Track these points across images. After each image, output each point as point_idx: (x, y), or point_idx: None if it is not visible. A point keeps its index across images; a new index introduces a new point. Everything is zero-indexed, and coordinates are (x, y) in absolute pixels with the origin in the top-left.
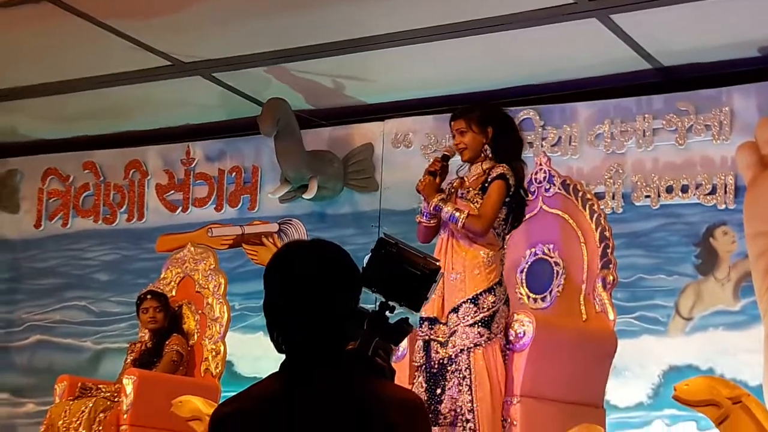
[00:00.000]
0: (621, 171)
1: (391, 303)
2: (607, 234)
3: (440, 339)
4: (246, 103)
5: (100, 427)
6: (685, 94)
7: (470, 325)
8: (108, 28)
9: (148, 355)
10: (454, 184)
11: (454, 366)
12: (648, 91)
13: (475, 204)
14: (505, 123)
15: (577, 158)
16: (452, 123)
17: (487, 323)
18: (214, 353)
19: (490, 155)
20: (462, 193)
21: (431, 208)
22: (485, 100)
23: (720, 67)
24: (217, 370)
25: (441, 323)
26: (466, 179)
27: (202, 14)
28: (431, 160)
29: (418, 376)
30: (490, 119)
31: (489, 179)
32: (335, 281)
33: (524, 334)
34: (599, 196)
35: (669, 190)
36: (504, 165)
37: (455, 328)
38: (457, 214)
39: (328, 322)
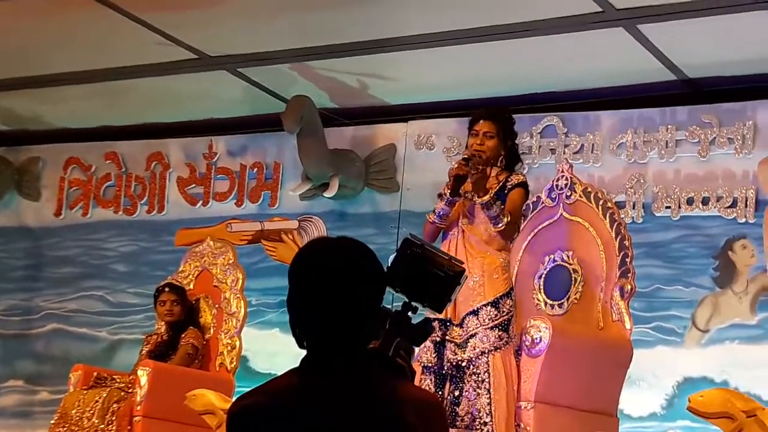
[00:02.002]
0: (642, 181)
1: (414, 303)
2: (627, 243)
3: (457, 340)
4: (270, 100)
5: (113, 418)
6: (709, 106)
7: (490, 328)
8: (136, 20)
9: (163, 348)
10: (465, 187)
11: (472, 368)
12: (672, 102)
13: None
14: (515, 137)
15: (598, 167)
16: (480, 122)
17: (505, 327)
18: (229, 348)
19: (503, 166)
20: (469, 196)
21: (479, 201)
22: (509, 106)
23: (745, 81)
24: (232, 365)
25: (455, 325)
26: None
27: (230, 9)
28: (453, 163)
29: (426, 377)
30: (513, 133)
31: (509, 185)
32: (359, 279)
33: (540, 339)
34: (620, 206)
35: (690, 201)
36: (522, 174)
37: (475, 330)
38: (503, 216)
39: (351, 320)
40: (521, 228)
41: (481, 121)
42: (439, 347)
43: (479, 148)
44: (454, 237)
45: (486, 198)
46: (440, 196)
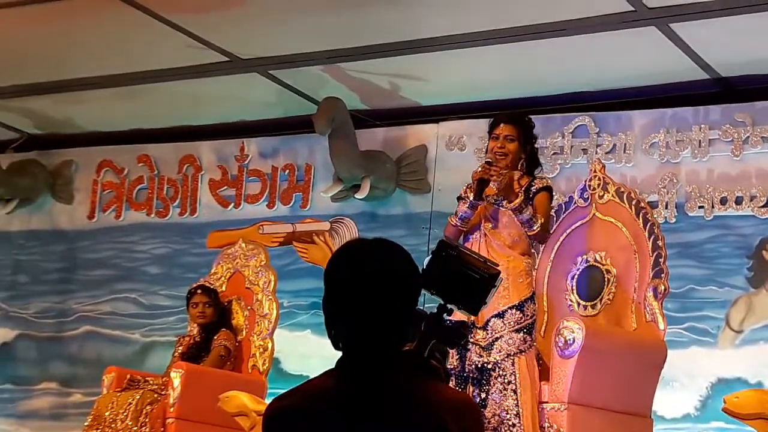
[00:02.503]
0: (675, 180)
1: (449, 306)
2: (660, 243)
3: (481, 343)
4: (301, 101)
5: (147, 420)
6: (742, 105)
7: (516, 331)
8: (167, 23)
9: (196, 350)
10: (487, 191)
11: (498, 371)
12: (705, 101)
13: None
14: (535, 141)
15: (631, 166)
16: (502, 125)
17: (529, 330)
18: (261, 350)
19: (524, 170)
20: (497, 201)
21: (511, 206)
22: (540, 106)
23: None
24: (264, 367)
25: (478, 328)
26: (494, 187)
27: (260, 11)
28: (478, 167)
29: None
30: (533, 137)
31: (533, 189)
32: (395, 281)
33: (573, 340)
34: (652, 205)
35: (723, 201)
36: (546, 178)
37: (500, 333)
38: (536, 219)
39: (386, 322)
40: (552, 230)
41: (502, 125)
42: (461, 351)
43: (500, 150)
44: (477, 240)
45: (517, 202)
46: (460, 198)
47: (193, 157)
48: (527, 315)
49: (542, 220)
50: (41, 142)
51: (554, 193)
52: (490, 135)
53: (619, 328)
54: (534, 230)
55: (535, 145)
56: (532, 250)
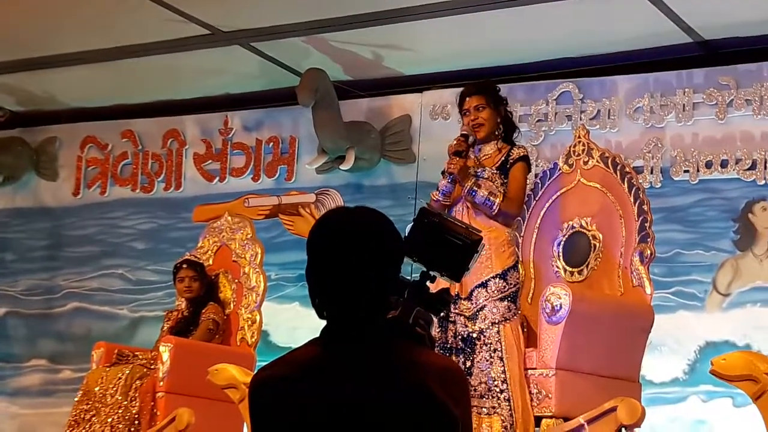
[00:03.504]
0: (660, 145)
1: (432, 273)
2: (646, 208)
3: (466, 313)
4: (284, 73)
5: (137, 394)
6: (726, 68)
7: (499, 300)
8: None
9: (184, 324)
10: (468, 162)
11: (484, 339)
12: (688, 65)
13: (495, 183)
14: (506, 103)
15: (615, 132)
16: (467, 99)
17: (513, 298)
18: (250, 322)
19: (502, 134)
20: (479, 173)
21: (464, 192)
22: (524, 73)
23: (762, 42)
24: (253, 339)
25: (462, 299)
26: (478, 158)
27: None
28: (453, 140)
29: None
30: (501, 98)
31: (511, 160)
32: (377, 248)
33: (561, 306)
34: (638, 170)
35: (708, 165)
36: (524, 147)
37: (485, 303)
38: (493, 198)
39: (369, 289)
40: (528, 201)
41: (467, 98)
42: (443, 322)
43: (475, 122)
44: (459, 212)
45: (469, 185)
46: (443, 173)
47: (177, 132)
48: (510, 284)
49: (499, 199)
50: (24, 119)
51: (537, 161)
52: (460, 113)
53: (606, 293)
54: (494, 211)
55: (508, 109)
56: (514, 222)
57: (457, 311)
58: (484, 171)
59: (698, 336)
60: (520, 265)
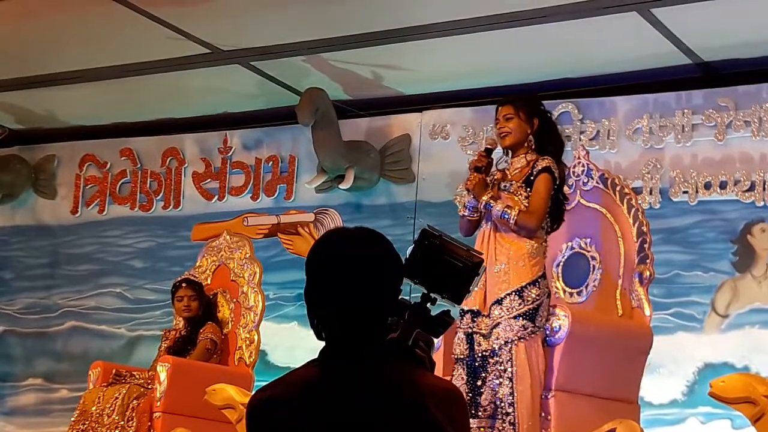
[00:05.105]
0: (659, 166)
1: (432, 295)
2: (645, 229)
3: (483, 331)
4: (284, 93)
5: (134, 414)
6: (725, 89)
7: (514, 318)
8: (148, 15)
9: (182, 343)
10: (496, 176)
11: (496, 358)
12: (688, 86)
13: (519, 196)
14: (550, 120)
15: (615, 152)
16: (499, 108)
17: (531, 316)
18: (248, 342)
19: (533, 147)
20: (505, 186)
21: (481, 207)
22: (525, 93)
23: (761, 63)
24: (251, 359)
25: (483, 315)
26: (508, 172)
27: (241, 2)
28: (472, 152)
29: (458, 369)
30: (538, 112)
31: (534, 172)
32: (377, 269)
33: (560, 328)
34: (637, 191)
35: (707, 186)
36: (549, 158)
37: (499, 320)
38: (509, 211)
39: (369, 311)
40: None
41: (500, 108)
42: (471, 339)
43: (501, 131)
44: (488, 225)
45: (485, 200)
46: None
47: (176, 150)
48: (527, 301)
49: (515, 212)
50: (23, 137)
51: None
52: (495, 123)
53: (605, 314)
54: (511, 223)
55: (547, 122)
56: (543, 233)
57: (477, 329)
58: (511, 185)
59: (697, 357)
60: (543, 280)
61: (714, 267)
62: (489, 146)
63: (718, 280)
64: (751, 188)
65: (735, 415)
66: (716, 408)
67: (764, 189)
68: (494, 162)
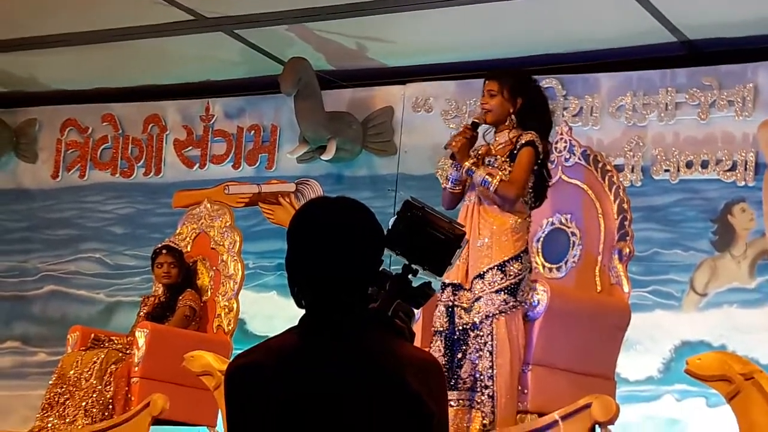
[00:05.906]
0: (641, 144)
1: (414, 266)
2: (625, 206)
3: (464, 305)
4: (267, 62)
5: (111, 379)
6: (709, 68)
7: (496, 292)
8: None
9: (161, 309)
10: (480, 150)
11: (476, 332)
12: (672, 64)
13: (503, 171)
14: (537, 99)
15: (597, 129)
16: (486, 82)
17: (512, 291)
18: (227, 310)
19: (515, 125)
20: (489, 161)
21: (464, 172)
22: (511, 68)
23: (745, 43)
24: (230, 327)
25: (465, 289)
26: (492, 147)
27: None
28: (454, 126)
29: (437, 341)
30: (524, 90)
31: (518, 146)
32: (358, 238)
33: (539, 302)
34: (618, 169)
35: (689, 165)
36: (532, 132)
37: (480, 294)
38: (489, 178)
39: (349, 281)
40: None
41: (486, 81)
42: (452, 312)
43: (483, 107)
44: (472, 199)
45: (467, 165)
46: (451, 157)
47: (158, 117)
48: (509, 275)
49: (497, 180)
50: (4, 100)
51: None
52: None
53: (583, 290)
54: (491, 190)
55: (532, 101)
56: (526, 208)
57: (458, 302)
58: (495, 159)
59: (674, 335)
60: (526, 255)
61: (693, 246)
62: (476, 120)
63: (698, 259)
64: (733, 168)
65: (710, 392)
66: (692, 386)
67: (746, 169)
68: (480, 135)
